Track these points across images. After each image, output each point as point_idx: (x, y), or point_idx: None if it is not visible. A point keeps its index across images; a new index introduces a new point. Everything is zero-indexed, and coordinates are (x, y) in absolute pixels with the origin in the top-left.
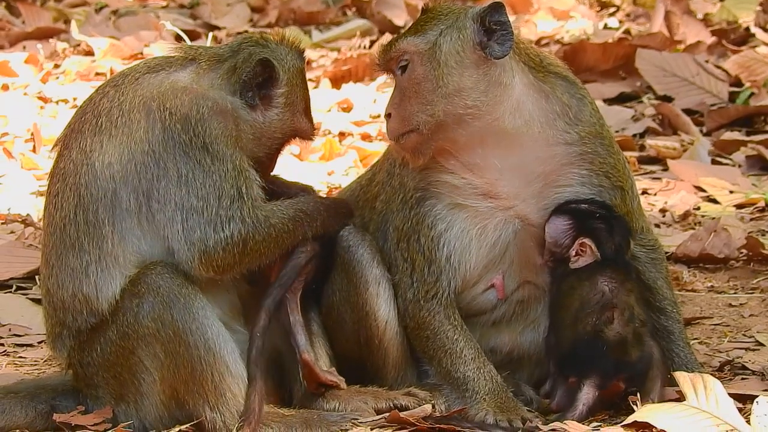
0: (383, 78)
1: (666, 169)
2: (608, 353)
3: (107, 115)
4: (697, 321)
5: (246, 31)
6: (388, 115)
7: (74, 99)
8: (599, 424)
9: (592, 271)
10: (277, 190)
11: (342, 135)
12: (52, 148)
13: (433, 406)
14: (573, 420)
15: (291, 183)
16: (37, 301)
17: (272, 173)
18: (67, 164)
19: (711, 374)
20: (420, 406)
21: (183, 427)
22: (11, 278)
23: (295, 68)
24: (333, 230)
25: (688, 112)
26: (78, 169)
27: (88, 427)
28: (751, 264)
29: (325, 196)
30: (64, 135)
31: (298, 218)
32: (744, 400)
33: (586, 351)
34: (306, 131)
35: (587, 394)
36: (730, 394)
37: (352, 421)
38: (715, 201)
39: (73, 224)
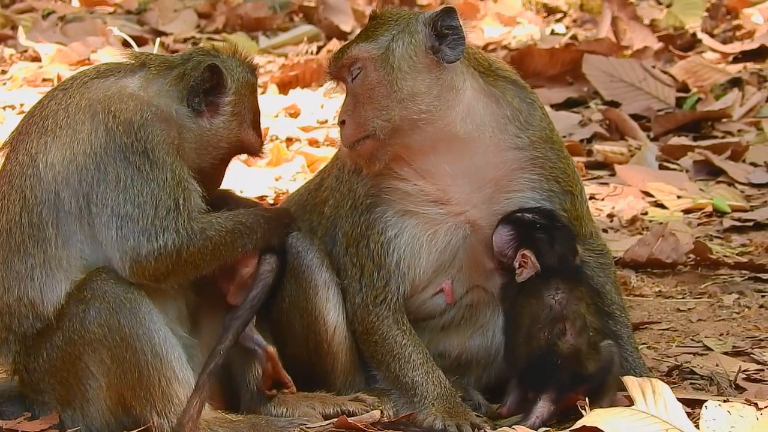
0: (330, 84)
1: (613, 175)
2: (564, 366)
3: (53, 117)
4: (646, 326)
5: (193, 37)
6: (341, 122)
7: (21, 105)
8: (548, 429)
9: (537, 287)
10: (224, 204)
11: (289, 140)
12: (3, 147)
13: (382, 412)
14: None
15: (240, 198)
16: None
17: (223, 188)
18: (13, 166)
19: (659, 379)
20: (368, 411)
21: None
22: None
23: (245, 80)
24: (275, 242)
25: (635, 117)
26: (23, 171)
27: None
28: (699, 269)
29: (267, 208)
30: (11, 138)
31: (237, 230)
32: (692, 405)
33: (542, 366)
34: (253, 145)
35: (542, 408)
36: (678, 399)
37: (300, 426)
38: (662, 206)
39: (18, 227)
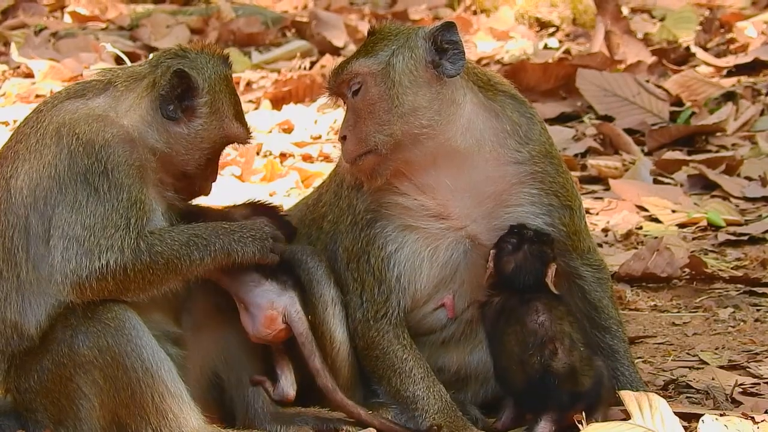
0: (324, 99)
1: (608, 189)
2: (561, 386)
3: (25, 142)
4: (641, 340)
5: None
6: (342, 138)
7: (14, 121)
8: None
9: (518, 313)
10: (202, 219)
11: (283, 156)
12: None
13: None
14: None
15: (218, 211)
16: None
17: (203, 203)
18: None
19: (656, 393)
20: (363, 428)
21: None
22: None
23: (218, 75)
24: (247, 256)
25: (629, 131)
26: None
27: None
28: (694, 283)
29: (238, 222)
30: None
31: (191, 243)
32: (689, 419)
33: (540, 388)
34: (239, 136)
35: (544, 428)
36: (675, 413)
37: None
38: (657, 220)
39: None
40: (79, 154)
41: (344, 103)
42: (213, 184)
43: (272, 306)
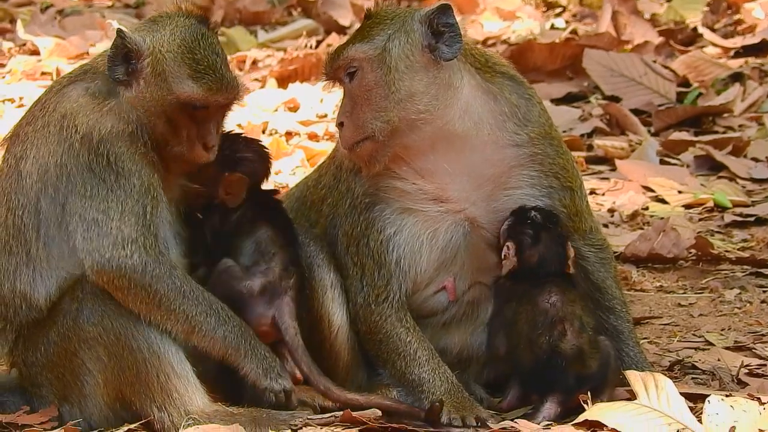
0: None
1: (614, 169)
2: (568, 368)
3: (34, 125)
4: (647, 321)
5: None
6: (340, 124)
7: (20, 98)
8: (550, 423)
9: (530, 293)
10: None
11: (289, 135)
12: (3, 142)
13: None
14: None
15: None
16: None
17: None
18: (3, 167)
19: (661, 374)
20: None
21: (132, 426)
22: None
23: (174, 35)
24: (250, 371)
25: (635, 112)
26: (10, 174)
27: (35, 425)
28: (700, 264)
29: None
30: (11, 134)
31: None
32: (694, 400)
33: (547, 369)
34: (191, 96)
35: (549, 409)
36: (680, 394)
37: (301, 419)
38: (663, 201)
39: (3, 227)
40: (79, 147)
41: (341, 87)
42: (209, 151)
43: (260, 321)
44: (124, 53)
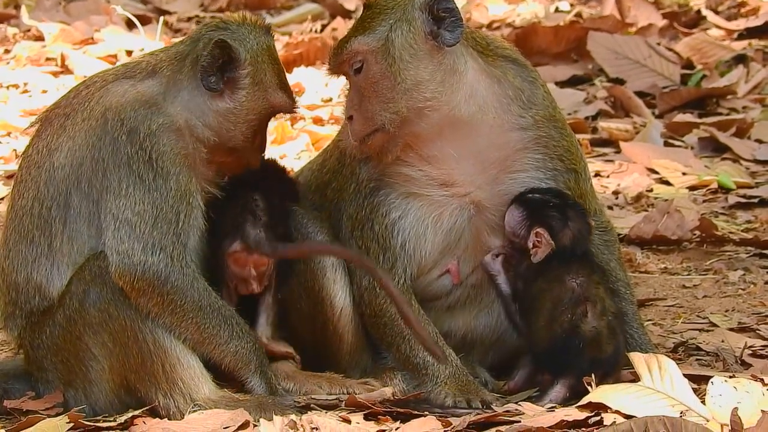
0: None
1: (618, 152)
2: (584, 350)
3: (72, 117)
4: (651, 302)
5: (197, 16)
6: (349, 118)
7: (25, 84)
8: (554, 405)
9: (557, 271)
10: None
11: (294, 119)
12: (32, 125)
13: (393, 394)
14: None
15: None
16: None
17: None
18: (34, 153)
19: (665, 355)
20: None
21: (136, 412)
22: None
23: (260, 46)
24: (252, 383)
25: (640, 94)
26: (41, 163)
27: (40, 411)
28: (704, 245)
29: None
30: (44, 116)
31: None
32: (698, 381)
33: (564, 349)
34: (284, 105)
35: (558, 392)
36: (684, 375)
37: (308, 403)
38: (667, 183)
39: (29, 216)
40: (123, 141)
41: (347, 80)
42: (262, 155)
43: (231, 247)
44: (221, 62)
